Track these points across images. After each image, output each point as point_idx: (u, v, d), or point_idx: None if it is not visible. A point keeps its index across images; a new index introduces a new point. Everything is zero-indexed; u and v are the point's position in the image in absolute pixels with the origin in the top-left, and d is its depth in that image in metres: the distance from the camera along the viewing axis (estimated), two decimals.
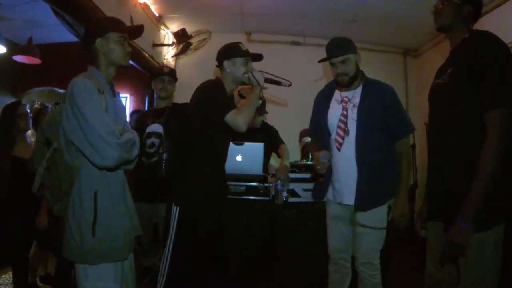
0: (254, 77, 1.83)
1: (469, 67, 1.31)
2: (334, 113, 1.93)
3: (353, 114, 1.85)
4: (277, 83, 1.97)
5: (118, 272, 1.39)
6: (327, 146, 1.96)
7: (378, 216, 1.82)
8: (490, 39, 1.33)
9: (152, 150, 2.40)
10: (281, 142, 2.97)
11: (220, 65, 1.92)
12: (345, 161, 1.87)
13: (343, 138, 1.87)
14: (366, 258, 1.81)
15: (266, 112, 3.06)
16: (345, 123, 1.86)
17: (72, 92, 1.31)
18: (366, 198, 1.81)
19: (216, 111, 1.72)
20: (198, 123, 1.79)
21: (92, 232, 1.30)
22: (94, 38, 1.43)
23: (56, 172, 1.36)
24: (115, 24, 1.48)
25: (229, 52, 1.90)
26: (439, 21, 1.48)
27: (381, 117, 1.81)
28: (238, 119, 1.68)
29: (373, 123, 1.82)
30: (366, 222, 1.81)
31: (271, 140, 2.94)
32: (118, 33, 1.45)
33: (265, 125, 3.14)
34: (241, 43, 1.95)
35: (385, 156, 1.84)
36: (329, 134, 1.95)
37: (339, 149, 1.89)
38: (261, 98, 2.97)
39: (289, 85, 1.95)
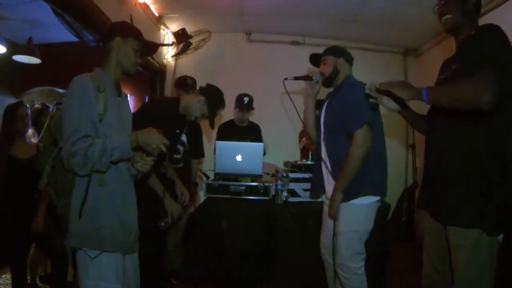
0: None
1: (472, 60, 1.30)
2: (321, 112, 2.04)
3: (323, 113, 1.99)
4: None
5: (119, 272, 1.39)
6: (319, 142, 2.01)
7: (347, 219, 1.79)
8: (490, 29, 1.33)
9: (178, 157, 2.47)
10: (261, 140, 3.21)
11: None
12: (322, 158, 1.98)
13: (320, 135, 2.00)
14: (340, 259, 1.80)
15: (253, 108, 3.22)
16: (320, 122, 2.01)
17: (68, 89, 1.34)
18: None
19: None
20: None
21: (79, 215, 1.31)
22: (114, 35, 1.46)
23: (61, 170, 1.36)
24: (138, 33, 1.54)
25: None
26: (448, 22, 1.44)
27: (339, 116, 1.85)
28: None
29: (333, 122, 1.87)
30: (336, 225, 1.84)
31: (257, 138, 3.18)
32: (137, 42, 1.51)
33: (251, 124, 3.33)
34: (222, 100, 2.25)
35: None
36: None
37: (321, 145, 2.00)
38: (248, 95, 3.12)
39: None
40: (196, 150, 2.82)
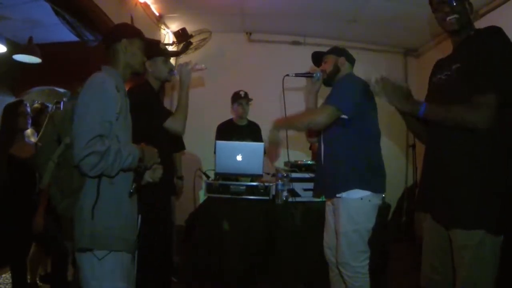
0: (180, 74, 2.01)
1: (475, 61, 1.31)
2: None
3: None
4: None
5: (124, 271, 1.38)
6: (320, 141, 2.03)
7: (345, 218, 1.80)
8: (495, 32, 1.34)
9: None
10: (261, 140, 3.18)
11: None
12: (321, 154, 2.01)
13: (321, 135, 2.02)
14: (341, 258, 1.81)
15: (251, 99, 3.23)
16: None
17: (87, 85, 1.33)
18: (326, 185, 1.93)
19: (154, 120, 1.86)
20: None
21: (91, 215, 1.30)
22: (120, 38, 1.48)
23: (67, 168, 1.33)
24: (141, 33, 1.58)
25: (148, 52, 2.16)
26: (455, 22, 1.42)
27: None
28: (175, 124, 1.94)
29: None
30: (336, 225, 1.85)
31: (257, 138, 3.16)
32: (142, 42, 1.54)
33: (251, 123, 3.31)
34: (160, 41, 2.12)
35: (344, 150, 1.84)
36: None
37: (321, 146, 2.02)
38: (242, 90, 3.17)
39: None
40: (177, 143, 2.77)
